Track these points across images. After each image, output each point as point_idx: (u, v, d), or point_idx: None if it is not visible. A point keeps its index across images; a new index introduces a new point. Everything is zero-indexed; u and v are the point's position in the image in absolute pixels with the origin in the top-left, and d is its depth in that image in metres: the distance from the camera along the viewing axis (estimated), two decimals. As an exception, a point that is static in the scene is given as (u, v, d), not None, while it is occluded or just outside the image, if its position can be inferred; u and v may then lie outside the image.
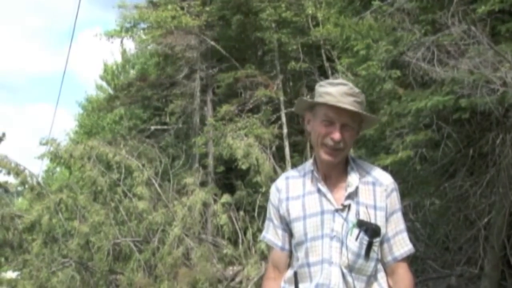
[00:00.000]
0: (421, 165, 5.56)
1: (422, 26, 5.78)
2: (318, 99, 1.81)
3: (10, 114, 57.33)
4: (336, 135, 1.77)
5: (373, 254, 1.78)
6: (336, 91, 1.77)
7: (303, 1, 10.25)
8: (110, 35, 12.16)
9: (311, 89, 10.94)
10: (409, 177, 5.83)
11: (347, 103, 1.75)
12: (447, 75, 5.07)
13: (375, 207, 1.79)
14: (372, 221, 1.78)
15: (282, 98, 10.93)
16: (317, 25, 10.00)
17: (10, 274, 5.84)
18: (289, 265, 1.92)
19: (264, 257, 8.37)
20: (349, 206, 1.79)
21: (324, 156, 1.81)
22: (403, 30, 5.87)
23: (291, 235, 1.90)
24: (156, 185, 9.45)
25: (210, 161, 12.03)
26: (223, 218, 8.91)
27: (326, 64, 10.06)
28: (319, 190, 1.83)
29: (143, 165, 9.45)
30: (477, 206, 5.30)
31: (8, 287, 8.04)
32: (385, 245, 1.82)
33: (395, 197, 1.84)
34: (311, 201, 1.83)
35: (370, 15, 6.57)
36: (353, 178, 1.83)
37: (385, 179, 1.85)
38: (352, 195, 1.80)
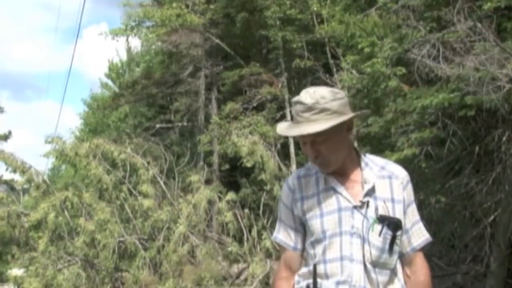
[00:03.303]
0: (426, 163, 5.55)
1: (427, 23, 5.76)
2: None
3: (16, 112, 57.68)
4: (310, 153, 1.79)
5: (396, 248, 1.79)
6: (294, 112, 1.77)
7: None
8: (115, 34, 12.17)
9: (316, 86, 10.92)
10: (414, 175, 5.79)
11: (304, 122, 1.74)
12: (452, 72, 5.05)
13: (392, 200, 1.79)
14: (391, 214, 1.78)
15: (287, 96, 10.91)
16: (322, 22, 9.96)
17: (17, 272, 5.89)
18: (301, 263, 1.92)
19: (269, 254, 8.39)
20: (367, 203, 1.78)
21: (319, 169, 1.85)
22: (408, 27, 5.85)
23: (304, 234, 1.90)
24: (161, 183, 9.47)
25: (215, 159, 12.04)
26: (228, 216, 8.92)
27: (331, 62, 10.01)
28: (333, 188, 1.82)
29: (148, 163, 9.47)
30: (483, 204, 5.28)
31: (15, 285, 8.10)
32: (404, 237, 1.83)
33: (410, 189, 1.85)
34: (327, 198, 1.83)
35: (375, 12, 6.56)
36: (369, 174, 1.82)
37: (400, 172, 1.86)
38: (370, 192, 1.79)
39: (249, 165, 9.06)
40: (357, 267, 1.77)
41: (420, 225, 1.88)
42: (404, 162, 5.56)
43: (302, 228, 1.90)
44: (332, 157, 1.78)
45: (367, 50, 6.21)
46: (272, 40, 10.98)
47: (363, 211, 1.78)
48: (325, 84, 10.26)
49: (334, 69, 9.68)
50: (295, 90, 11.42)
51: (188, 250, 8.54)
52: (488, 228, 5.15)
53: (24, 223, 9.05)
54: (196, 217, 8.86)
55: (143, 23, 12.30)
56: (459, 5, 5.26)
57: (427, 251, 5.99)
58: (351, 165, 1.85)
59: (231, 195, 9.27)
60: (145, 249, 8.75)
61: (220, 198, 9.43)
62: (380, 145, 6.36)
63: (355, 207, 1.78)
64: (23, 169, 9.41)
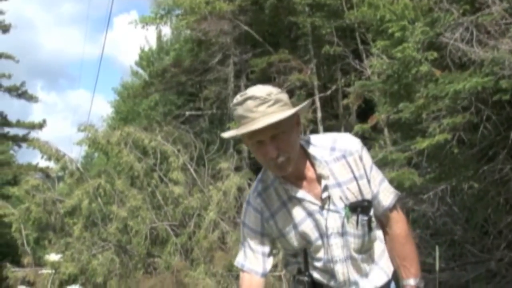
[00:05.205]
0: (459, 149, 5.46)
1: (460, 5, 5.64)
2: (237, 126, 1.69)
3: (50, 101, 59.09)
4: (270, 153, 1.65)
5: (373, 225, 1.78)
6: (245, 111, 1.64)
7: (337, -17, 10.11)
8: (145, 22, 12.29)
9: (345, 72, 10.84)
10: (446, 161, 5.74)
11: (261, 116, 1.61)
12: (486, 56, 4.95)
13: (355, 178, 1.74)
14: (358, 195, 1.74)
15: (316, 83, 10.87)
16: (351, 7, 9.84)
17: (54, 257, 6.10)
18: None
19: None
20: (329, 197, 1.73)
21: (277, 173, 1.74)
22: (441, 10, 5.75)
23: (271, 253, 1.85)
24: (192, 170, 9.60)
25: (244, 146, 12.09)
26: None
27: (361, 47, 9.91)
28: (295, 197, 1.76)
29: (179, 151, 9.59)
30: (518, 189, 5.20)
31: (52, 269, 8.37)
32: (375, 201, 1.80)
33: (366, 156, 1.78)
34: (293, 208, 1.77)
35: (406, -6, 6.43)
36: (323, 168, 1.74)
37: (352, 145, 1.77)
38: (328, 184, 1.73)
39: (278, 152, 9.07)
40: (340, 266, 1.77)
41: (385, 184, 1.83)
42: (436, 148, 5.51)
43: (270, 248, 1.85)
44: (292, 152, 1.68)
45: (397, 34, 6.10)
46: (301, 27, 10.91)
47: (331, 207, 1.73)
48: (355, 70, 10.19)
49: (364, 55, 9.59)
50: (324, 76, 11.37)
51: (219, 237, 8.65)
52: (524, 215, 5.08)
53: (59, 209, 9.32)
54: (226, 203, 8.96)
55: (172, 11, 12.38)
56: (494, -14, 5.14)
57: (460, 237, 5.94)
58: (303, 162, 1.76)
59: (260, 182, 9.31)
60: (177, 236, 8.91)
61: (249, 185, 9.48)
62: (411, 131, 6.28)
63: (322, 207, 1.74)
64: (58, 156, 9.67)
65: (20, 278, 8.49)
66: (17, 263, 9.74)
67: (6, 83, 21.53)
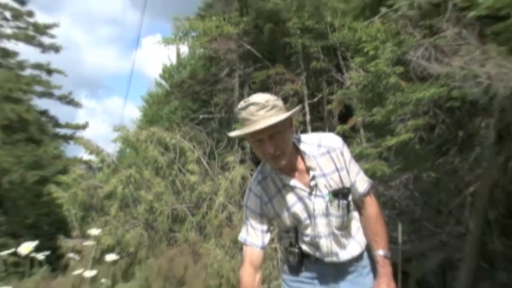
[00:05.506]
0: (420, 145, 5.55)
1: (421, 30, 5.71)
2: (241, 127, 1.70)
3: (92, 107, 59.20)
4: (269, 149, 1.67)
5: (351, 207, 1.81)
6: (248, 114, 1.65)
7: (323, 11, 10.18)
8: (167, 42, 12.36)
9: (329, 83, 10.93)
10: (410, 155, 5.82)
11: (261, 119, 1.62)
12: (442, 71, 5.04)
13: (337, 170, 1.77)
14: (339, 183, 1.76)
15: (305, 92, 10.95)
16: (334, 30, 9.93)
17: (95, 231, 6.22)
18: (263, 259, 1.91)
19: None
20: (316, 185, 1.75)
21: (273, 165, 1.75)
22: (406, 34, 5.83)
23: (268, 230, 1.86)
24: (204, 162, 9.67)
25: (247, 143, 12.16)
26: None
27: (342, 63, 10.01)
28: (288, 185, 1.78)
29: (194, 147, 9.66)
30: (465, 178, 5.27)
31: (94, 241, 8.50)
32: (353, 189, 1.83)
33: (346, 152, 1.80)
34: (287, 194, 1.79)
35: (378, 20, 6.51)
36: (311, 161, 1.75)
37: (335, 142, 1.79)
38: (315, 175, 1.75)
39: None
40: (324, 240, 1.79)
41: (361, 174, 1.84)
42: (402, 145, 5.60)
43: (268, 226, 1.86)
44: (286, 148, 1.70)
45: (371, 52, 6.18)
46: (293, 46, 10.99)
47: (318, 193, 1.75)
48: (337, 81, 10.28)
49: (344, 69, 9.68)
50: (312, 86, 11.46)
51: (226, 216, 8.71)
52: (469, 198, 5.16)
53: (99, 194, 9.41)
54: (232, 190, 9.03)
55: (189, 33, 12.46)
56: (448, 15, 5.23)
57: (419, 216, 6.02)
58: (295, 156, 1.78)
59: (260, 172, 9.34)
60: (192, 215, 8.99)
61: (251, 175, 9.54)
62: (382, 131, 6.37)
63: (310, 193, 1.76)
64: (98, 151, 9.76)
65: (70, 247, 8.60)
66: (68, 235, 9.86)
67: (57, 93, 21.86)
